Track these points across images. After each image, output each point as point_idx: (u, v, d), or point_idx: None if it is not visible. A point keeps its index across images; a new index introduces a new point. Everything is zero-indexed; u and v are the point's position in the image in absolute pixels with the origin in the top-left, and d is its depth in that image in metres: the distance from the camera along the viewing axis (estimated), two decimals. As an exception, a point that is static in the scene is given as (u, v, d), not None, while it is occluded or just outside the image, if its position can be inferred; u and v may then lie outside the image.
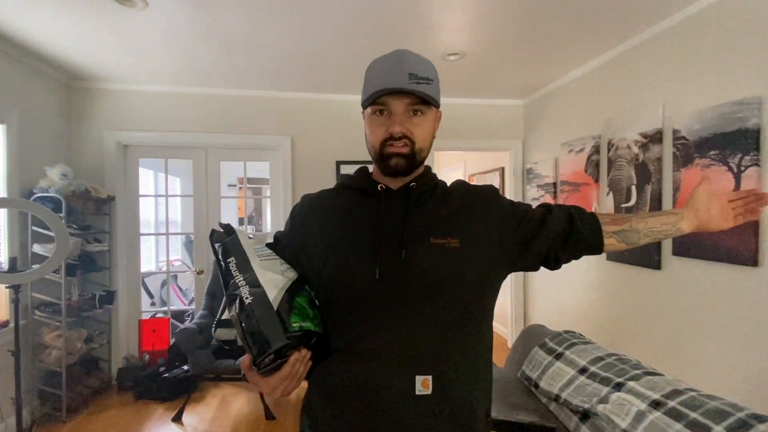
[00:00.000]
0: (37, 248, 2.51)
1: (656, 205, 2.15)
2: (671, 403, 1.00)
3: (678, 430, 0.93)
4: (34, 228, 2.50)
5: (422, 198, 0.78)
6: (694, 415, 0.94)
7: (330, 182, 3.40)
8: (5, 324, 2.32)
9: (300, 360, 0.67)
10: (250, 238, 0.80)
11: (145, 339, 3.16)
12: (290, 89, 3.26)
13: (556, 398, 1.27)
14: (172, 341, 3.18)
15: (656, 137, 2.15)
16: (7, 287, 2.15)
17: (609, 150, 2.52)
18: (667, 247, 2.10)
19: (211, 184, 3.40)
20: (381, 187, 0.78)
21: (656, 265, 2.15)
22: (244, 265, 0.73)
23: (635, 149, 2.30)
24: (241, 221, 5.86)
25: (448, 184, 0.85)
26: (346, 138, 3.38)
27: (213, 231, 0.80)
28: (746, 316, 1.72)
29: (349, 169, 3.39)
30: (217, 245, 0.77)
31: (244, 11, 2.01)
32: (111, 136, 3.10)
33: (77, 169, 2.93)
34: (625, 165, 2.38)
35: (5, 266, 2.35)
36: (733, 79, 1.78)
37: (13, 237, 2.44)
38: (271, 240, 0.84)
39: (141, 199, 3.30)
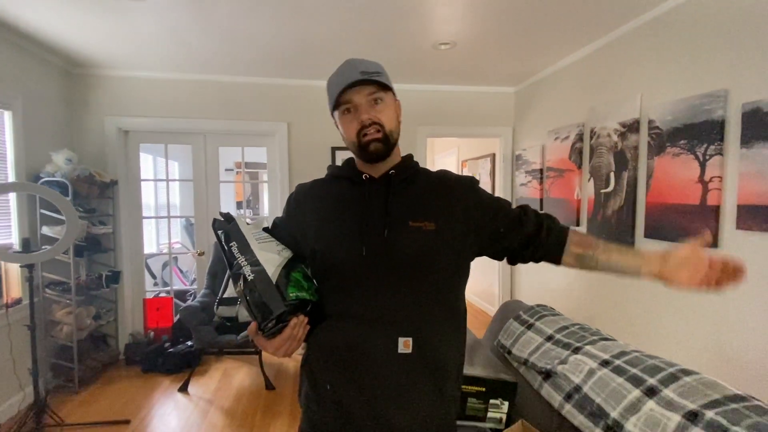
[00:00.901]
0: (46, 230, 2.63)
1: (632, 190, 2.29)
2: (617, 362, 1.16)
3: (620, 383, 1.09)
4: (43, 211, 2.62)
5: (403, 184, 0.89)
6: (634, 370, 1.10)
7: (325, 168, 3.50)
8: (19, 301, 2.46)
9: (298, 324, 0.78)
10: (248, 224, 0.92)
11: (150, 317, 3.32)
12: (286, 76, 3.33)
13: (525, 362, 1.43)
14: (175, 319, 3.34)
15: (633, 126, 2.27)
16: (21, 266, 2.28)
17: (591, 138, 2.64)
18: (639, 230, 2.25)
19: (210, 168, 3.50)
20: (366, 176, 0.89)
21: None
22: (245, 248, 0.85)
23: (615, 137, 2.43)
24: (239, 205, 5.98)
25: (433, 172, 0.95)
26: (341, 124, 3.47)
27: (215, 220, 0.92)
28: (706, 295, 1.88)
29: (344, 155, 3.51)
30: (219, 232, 0.88)
31: (240, 0, 2.09)
32: (112, 121, 3.18)
33: (80, 154, 3.03)
34: (605, 152, 2.51)
35: (17, 247, 2.48)
36: (702, 72, 1.90)
37: (23, 220, 2.56)
38: (267, 225, 0.96)
39: (142, 183, 3.41)
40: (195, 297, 3.38)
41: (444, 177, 0.93)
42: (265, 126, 3.43)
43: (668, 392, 0.97)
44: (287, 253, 0.87)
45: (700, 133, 1.88)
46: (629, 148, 2.31)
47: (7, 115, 2.47)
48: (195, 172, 3.49)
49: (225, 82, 3.33)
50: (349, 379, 0.82)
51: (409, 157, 0.95)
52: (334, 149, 3.49)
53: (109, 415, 2.41)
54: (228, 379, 2.95)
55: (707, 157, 1.85)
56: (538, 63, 3.05)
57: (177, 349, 3.09)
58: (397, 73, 3.21)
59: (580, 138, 2.76)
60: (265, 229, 0.94)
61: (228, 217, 0.91)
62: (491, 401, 1.17)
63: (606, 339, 1.33)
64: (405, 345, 0.80)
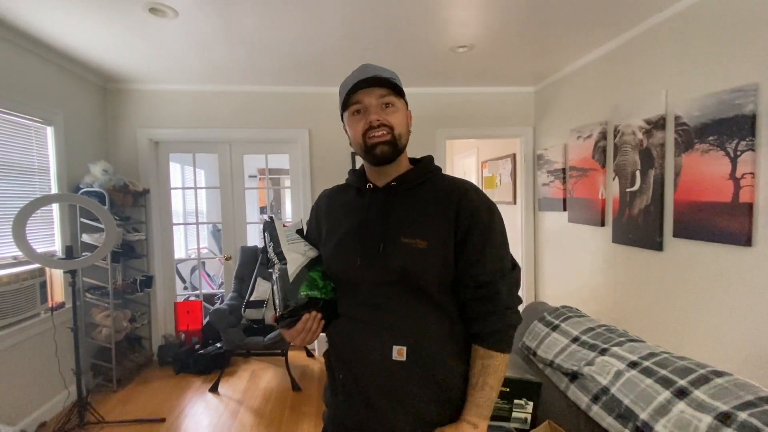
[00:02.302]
0: (85, 238, 2.79)
1: (659, 189, 2.24)
2: (646, 363, 1.15)
3: (648, 384, 1.08)
4: (82, 220, 2.78)
5: (404, 195, 0.88)
6: (663, 372, 1.09)
7: (345, 172, 3.56)
8: (62, 305, 2.61)
9: (310, 319, 0.84)
10: (285, 226, 1.00)
11: (181, 319, 3.45)
12: (307, 84, 3.41)
13: (551, 363, 1.43)
14: (204, 321, 3.46)
15: (659, 123, 2.23)
16: (64, 272, 2.42)
17: (615, 136, 2.59)
18: (667, 228, 2.20)
19: (236, 175, 3.62)
20: (369, 186, 0.91)
21: (658, 247, 2.25)
22: (278, 248, 0.94)
23: (640, 135, 2.38)
24: (262, 210, 6.13)
25: (453, 179, 0.90)
26: (360, 129, 3.53)
27: (264, 221, 1.02)
28: (741, 294, 1.82)
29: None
30: (265, 233, 0.99)
31: (261, 12, 2.16)
32: (144, 133, 3.34)
33: (115, 165, 3.19)
34: (630, 150, 2.46)
35: (60, 254, 2.64)
36: (731, 66, 1.85)
37: (65, 228, 2.72)
38: (303, 227, 1.04)
39: (172, 191, 3.55)
40: (223, 300, 3.49)
41: (453, 189, 0.87)
42: (287, 133, 3.52)
43: (699, 394, 0.96)
44: (312, 253, 0.94)
45: (730, 129, 1.83)
46: (655, 146, 2.26)
47: (50, 131, 2.64)
48: (221, 179, 3.62)
49: (248, 92, 3.44)
50: (352, 375, 0.86)
51: (425, 163, 0.93)
52: (354, 154, 3.54)
53: (145, 414, 2.53)
54: (256, 379, 3.03)
55: (738, 153, 1.79)
56: (558, 61, 3.02)
57: (207, 351, 3.20)
58: (415, 77, 3.24)
59: (603, 136, 2.72)
60: (299, 231, 1.01)
61: (271, 220, 1.01)
62: (515, 401, 1.18)
63: (634, 340, 1.32)
64: (399, 353, 0.82)
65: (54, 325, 2.42)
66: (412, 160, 0.95)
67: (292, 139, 3.55)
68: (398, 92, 0.86)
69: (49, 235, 2.62)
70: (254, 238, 4.43)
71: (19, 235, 2.04)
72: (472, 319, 0.85)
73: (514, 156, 3.99)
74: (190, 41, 2.49)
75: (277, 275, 0.89)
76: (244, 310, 3.01)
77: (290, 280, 0.87)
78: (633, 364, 1.17)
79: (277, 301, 0.88)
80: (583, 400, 1.21)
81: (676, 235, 2.14)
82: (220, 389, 2.87)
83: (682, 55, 2.11)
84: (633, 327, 2.48)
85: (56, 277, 2.62)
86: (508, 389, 1.18)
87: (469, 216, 0.84)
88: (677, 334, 2.17)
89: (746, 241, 1.77)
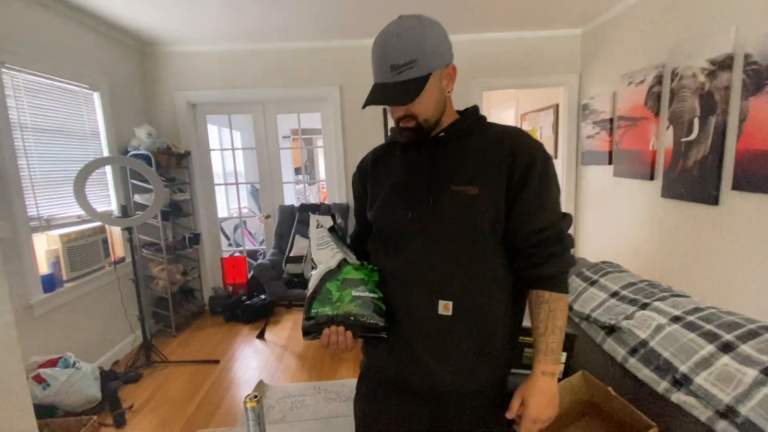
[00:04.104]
0: (137, 198, 2.98)
1: (719, 137, 2.04)
2: (689, 318, 1.11)
3: (691, 338, 1.05)
4: (133, 181, 2.96)
5: (452, 145, 0.85)
6: (708, 326, 1.05)
7: (378, 130, 3.54)
8: (123, 259, 2.86)
9: (332, 334, 0.83)
10: (318, 224, 0.99)
11: (228, 273, 3.70)
12: (336, 37, 3.31)
13: (587, 318, 1.42)
14: (249, 275, 3.69)
15: (725, 64, 1.99)
16: (122, 230, 2.63)
17: (672, 80, 2.36)
18: (726, 181, 2.03)
19: (270, 136, 3.67)
20: (414, 142, 0.89)
21: (713, 201, 2.10)
22: (311, 251, 0.96)
23: (701, 78, 2.15)
24: (297, 171, 6.24)
25: (503, 126, 0.88)
26: (393, 84, 3.42)
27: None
28: (803, 249, 1.69)
29: (396, 115, 3.48)
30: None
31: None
32: (181, 96, 3.42)
33: (157, 128, 3.32)
34: (689, 96, 2.24)
35: (117, 213, 2.85)
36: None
37: (119, 189, 2.92)
38: (337, 221, 1.03)
39: (212, 153, 3.68)
40: (265, 256, 3.68)
41: (503, 136, 0.85)
42: (318, 91, 3.48)
43: (746, 348, 0.92)
44: (333, 262, 0.90)
45: (812, 65, 1.61)
46: (719, 89, 2.04)
47: (96, 96, 2.76)
48: (257, 140, 3.69)
49: (279, 49, 3.40)
50: (398, 333, 0.87)
51: (470, 112, 0.90)
52: (385, 111, 3.47)
53: (202, 355, 2.80)
54: (298, 328, 3.25)
55: (819, 94, 1.59)
56: (610, -2, 2.72)
57: (252, 302, 3.43)
58: (446, 24, 3.04)
59: (658, 81, 2.48)
60: (332, 229, 1.00)
61: (308, 217, 1.03)
62: (550, 352, 1.19)
63: (678, 295, 1.27)
64: (445, 308, 0.82)
65: (117, 277, 2.68)
66: (458, 111, 0.92)
67: (323, 96, 3.51)
68: (420, 81, 0.77)
69: (104, 195, 2.82)
70: (291, 197, 4.55)
71: (80, 194, 2.21)
72: (533, 265, 0.83)
73: (556, 107, 3.75)
74: (219, -3, 2.45)
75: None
76: (285, 265, 3.17)
77: (308, 293, 0.86)
78: (676, 319, 1.13)
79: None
80: (619, 352, 1.21)
81: (735, 187, 1.98)
82: (266, 336, 3.10)
83: (760, -20, 1.83)
84: (678, 284, 2.38)
85: (116, 235, 2.85)
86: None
87: (525, 161, 0.81)
88: (726, 293, 2.07)
89: (818, 192, 1.61)
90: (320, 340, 0.84)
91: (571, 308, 1.52)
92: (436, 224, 0.83)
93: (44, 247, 2.29)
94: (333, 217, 1.03)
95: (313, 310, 0.84)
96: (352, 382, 2.35)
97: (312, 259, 0.93)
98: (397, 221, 0.87)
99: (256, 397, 1.32)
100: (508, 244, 0.86)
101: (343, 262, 0.90)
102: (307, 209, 3.43)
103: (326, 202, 3.59)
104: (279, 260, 3.22)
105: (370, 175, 0.97)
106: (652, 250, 2.65)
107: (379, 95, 0.80)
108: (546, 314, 0.84)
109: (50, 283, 2.25)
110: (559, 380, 1.23)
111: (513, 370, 1.02)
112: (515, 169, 0.81)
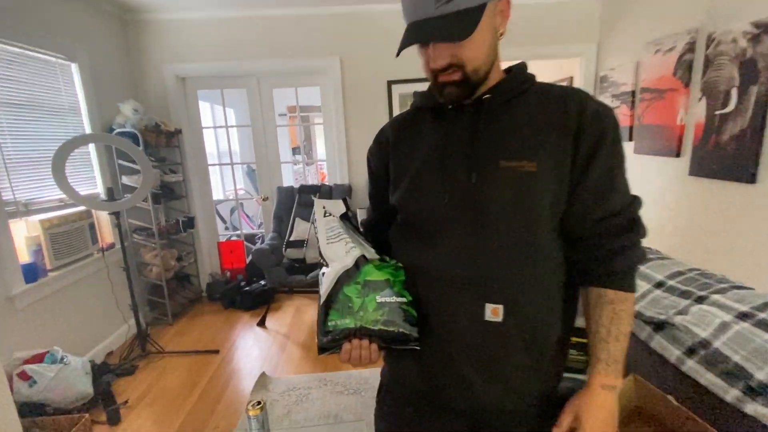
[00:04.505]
0: (125, 180, 2.78)
1: (761, 109, 1.86)
2: (762, 315, 0.96)
3: (766, 339, 0.90)
4: (120, 161, 2.75)
5: (500, 110, 0.69)
6: (788, 326, 0.90)
7: (382, 105, 3.32)
8: (113, 246, 2.68)
9: (353, 348, 0.67)
10: (325, 212, 0.81)
11: (225, 258, 3.54)
12: (336, 2, 3.04)
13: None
14: (248, 260, 3.53)
15: (774, 25, 1.79)
16: (109, 214, 2.45)
17: (708, 46, 2.15)
18: (766, 157, 1.86)
19: (266, 112, 3.44)
20: (452, 104, 0.71)
21: (750, 179, 1.94)
22: (319, 246, 0.77)
23: (743, 43, 1.95)
24: (294, 151, 6.00)
25: (562, 86, 0.72)
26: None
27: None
28: None
29: (401, 90, 3.25)
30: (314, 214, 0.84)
31: None
32: (169, 69, 3.17)
33: (144, 104, 3.08)
34: (727, 63, 2.04)
35: (103, 197, 2.66)
36: None
37: (105, 171, 2.71)
38: (346, 210, 0.84)
39: (204, 131, 3.45)
40: (264, 240, 3.52)
41: (565, 97, 0.68)
42: (316, 62, 3.24)
43: None
44: (353, 256, 0.73)
45: None
46: (763, 55, 1.85)
47: (74, 68, 2.52)
48: (252, 117, 3.46)
49: (273, 16, 3.13)
50: (431, 337, 0.72)
51: (519, 68, 0.72)
52: (390, 83, 3.24)
53: (200, 345, 2.67)
54: (301, 315, 3.12)
55: None
56: (638, -45, 2.48)
57: (252, 288, 3.29)
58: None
59: (690, 48, 2.27)
60: (344, 217, 0.82)
61: (313, 201, 0.85)
62: (595, 353, 1.05)
63: (739, 287, 1.12)
64: (493, 312, 0.67)
65: (107, 265, 2.51)
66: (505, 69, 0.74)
67: (322, 69, 3.27)
68: (474, 12, 0.60)
69: (89, 177, 2.62)
70: (289, 178, 4.35)
71: (60, 176, 2.01)
72: (599, 258, 0.68)
73: (571, 80, 3.53)
74: (206, -46, 2.19)
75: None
76: (285, 250, 3.01)
77: (321, 301, 0.69)
78: (743, 316, 0.99)
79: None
80: (672, 352, 1.07)
81: (777, 164, 1.81)
82: (267, 323, 2.97)
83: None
84: (709, 268, 2.24)
85: (104, 219, 2.67)
86: (585, 340, 1.04)
87: (595, 129, 0.65)
88: (764, 277, 1.93)
89: None
90: (340, 355, 0.68)
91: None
92: (480, 211, 0.67)
93: (24, 234, 2.11)
94: (345, 201, 0.85)
95: (330, 323, 0.68)
96: (359, 374, 2.23)
97: (321, 255, 0.75)
98: (431, 207, 0.71)
99: (259, 403, 1.16)
100: (567, 232, 0.70)
101: (361, 260, 0.72)
102: (308, 191, 3.24)
103: (327, 184, 3.40)
104: (279, 245, 3.06)
105: (393, 150, 0.79)
106: (678, 231, 2.50)
107: (420, 33, 0.61)
108: (609, 317, 0.68)
109: (33, 272, 2.08)
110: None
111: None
112: (583, 139, 0.65)
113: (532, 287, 0.68)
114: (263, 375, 2.25)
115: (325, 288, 0.70)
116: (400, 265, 0.74)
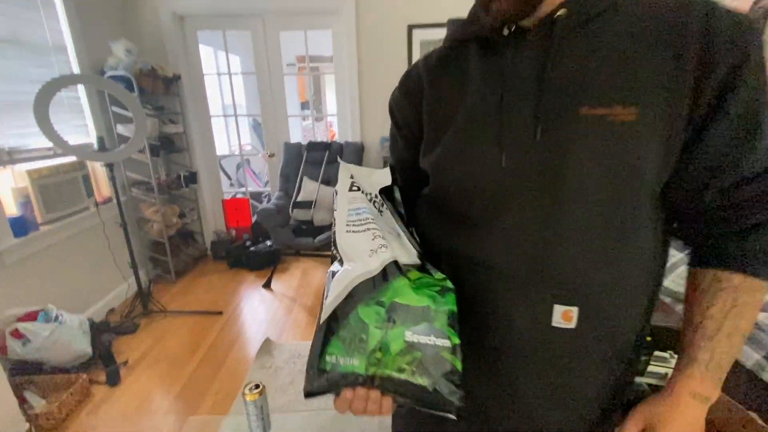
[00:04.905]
0: (121, 129, 2.58)
1: None
2: None
3: None
4: (115, 109, 2.53)
5: (576, 35, 0.47)
6: None
7: (401, 53, 2.99)
8: (110, 200, 2.53)
9: (358, 399, 0.47)
10: (352, 186, 0.55)
11: (230, 216, 3.40)
12: (352, -70, 2.65)
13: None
14: (253, 219, 3.39)
15: None
16: (102, 165, 2.27)
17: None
18: None
19: (272, 59, 3.15)
20: (508, 28, 0.50)
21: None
22: (334, 232, 0.53)
23: None
24: (303, 106, 5.69)
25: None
26: (419, -6, 2.82)
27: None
28: None
29: (423, 36, 2.92)
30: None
31: None
32: (165, 5, 2.85)
33: (139, 46, 2.80)
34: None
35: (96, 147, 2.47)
36: None
37: (98, 119, 2.50)
38: (390, 178, 0.58)
39: (206, 79, 3.18)
40: (270, 199, 3.35)
41: (683, 9, 0.44)
42: (328, 2, 2.89)
43: None
44: (379, 259, 0.49)
45: None
46: None
47: (58, 1, 2.24)
48: (257, 63, 3.17)
49: (280, -55, 2.75)
50: (480, 348, 0.55)
51: None
52: (411, 28, 2.89)
53: (204, 305, 2.58)
54: (308, 278, 3.00)
55: None
56: None
57: (258, 248, 3.16)
58: None
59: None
60: (385, 192, 0.57)
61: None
62: (657, 353, 0.88)
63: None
64: (565, 317, 0.50)
65: (102, 220, 2.37)
66: None
67: (335, 8, 2.92)
68: None
69: (81, 125, 2.42)
70: (297, 133, 4.12)
71: (43, 120, 1.82)
72: (727, 236, 0.49)
73: None
74: None
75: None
76: (292, 211, 2.84)
77: (321, 318, 0.47)
78: None
79: None
80: (751, 356, 0.88)
81: None
82: (273, 285, 2.87)
83: None
84: None
85: (99, 172, 2.50)
86: (650, 338, 0.87)
87: (731, 52, 0.42)
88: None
89: None
90: (335, 401, 0.48)
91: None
92: (554, 176, 0.47)
93: (10, 185, 1.96)
94: (392, 170, 0.59)
95: (328, 357, 0.46)
96: (368, 343, 2.13)
97: (335, 245, 0.53)
98: (482, 173, 0.51)
99: (257, 387, 1.03)
100: (678, 201, 0.50)
101: (392, 268, 0.48)
102: (317, 148, 3.02)
103: (337, 141, 3.16)
104: (285, 205, 2.89)
105: (427, 97, 0.58)
106: None
107: None
108: (726, 309, 0.49)
109: (22, 226, 1.94)
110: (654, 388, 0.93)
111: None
112: (712, 67, 0.42)
113: (618, 282, 0.50)
114: (267, 340, 2.16)
115: (331, 299, 0.47)
116: (450, 285, 0.50)
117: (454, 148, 0.53)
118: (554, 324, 0.50)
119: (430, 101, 0.57)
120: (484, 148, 0.51)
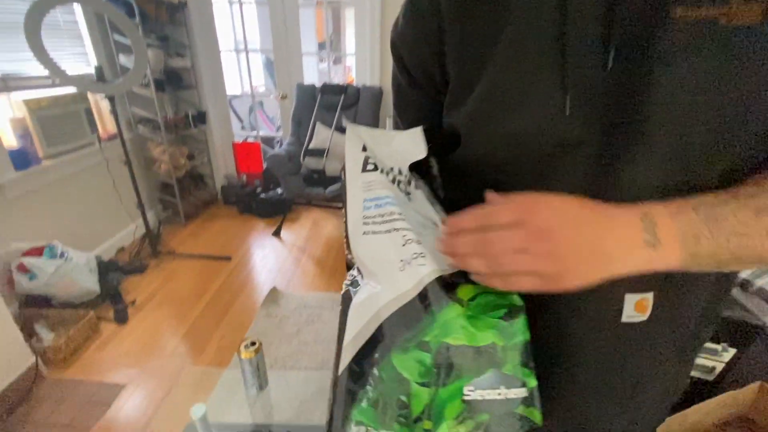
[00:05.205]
0: (123, 60, 2.41)
1: None
2: None
3: None
4: (117, 37, 2.35)
5: None
6: None
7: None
8: (115, 136, 2.43)
9: None
10: (367, 164, 0.38)
11: (241, 161, 3.28)
12: None
13: (744, 285, 0.94)
14: (265, 165, 3.27)
15: None
16: (103, 98, 2.14)
17: None
18: None
19: (287, -13, 2.85)
20: None
21: None
22: (344, 231, 0.38)
23: None
24: (320, 46, 5.32)
25: None
26: None
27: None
28: None
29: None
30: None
31: None
32: None
33: (142, -35, 2.55)
34: None
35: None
36: None
37: (98, 47, 2.33)
38: (424, 148, 0.41)
39: (215, 8, 2.92)
40: (282, 144, 3.20)
41: None
42: None
43: None
44: (415, 275, 0.33)
45: None
46: None
47: None
48: (270, -9, 2.88)
49: None
50: (534, 346, 0.43)
51: None
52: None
53: (213, 250, 2.55)
54: (318, 228, 2.93)
55: None
56: None
57: (268, 196, 3.08)
58: None
59: None
60: (417, 168, 0.40)
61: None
62: (707, 345, 0.76)
63: None
64: (638, 307, 0.39)
65: (105, 158, 2.28)
66: None
67: (358, -71, 2.57)
68: None
69: (80, 54, 2.26)
70: (311, 73, 3.86)
71: (36, 44, 1.67)
72: None
73: None
74: None
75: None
76: (303, 158, 2.71)
77: (338, 370, 0.33)
78: None
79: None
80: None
81: None
82: (282, 234, 2.81)
83: None
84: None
85: (103, 105, 2.37)
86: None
87: None
88: None
89: None
90: None
91: (747, 285, 1.02)
92: (630, 121, 0.33)
93: (8, 116, 1.86)
94: (426, 133, 0.42)
95: (355, 428, 0.32)
96: (375, 299, 2.07)
97: (348, 248, 0.38)
98: (539, 126, 0.36)
99: (253, 344, 0.96)
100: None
101: (435, 288, 0.33)
102: (331, 91, 2.80)
103: (354, 85, 2.93)
104: (297, 151, 2.74)
105: (449, 26, 0.39)
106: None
107: None
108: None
109: (23, 159, 1.87)
110: (707, 383, 0.82)
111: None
112: None
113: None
114: (274, 289, 2.13)
115: (350, 337, 0.33)
116: (519, 302, 0.35)
117: (494, 97, 0.37)
118: (624, 320, 0.39)
119: (455, 33, 0.39)
120: (540, 92, 0.35)
